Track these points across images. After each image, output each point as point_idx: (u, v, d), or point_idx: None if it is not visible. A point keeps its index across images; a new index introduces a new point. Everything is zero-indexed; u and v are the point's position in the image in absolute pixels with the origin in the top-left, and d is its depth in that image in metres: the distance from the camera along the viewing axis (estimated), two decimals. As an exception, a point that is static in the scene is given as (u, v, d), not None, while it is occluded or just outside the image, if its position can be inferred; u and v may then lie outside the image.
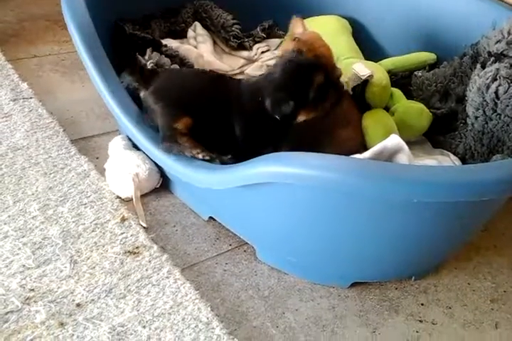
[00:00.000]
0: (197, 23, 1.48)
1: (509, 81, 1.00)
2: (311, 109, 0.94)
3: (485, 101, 1.02)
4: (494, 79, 1.01)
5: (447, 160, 1.16)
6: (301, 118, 0.94)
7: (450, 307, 0.95)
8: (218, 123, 0.95)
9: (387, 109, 1.20)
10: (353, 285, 0.95)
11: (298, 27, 1.10)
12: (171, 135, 0.91)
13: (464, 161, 1.14)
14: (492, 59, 1.06)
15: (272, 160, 0.76)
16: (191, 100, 0.95)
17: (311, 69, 0.93)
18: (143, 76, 1.01)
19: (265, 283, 0.94)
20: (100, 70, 1.02)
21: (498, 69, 1.02)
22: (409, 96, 1.24)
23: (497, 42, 1.08)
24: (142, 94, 1.00)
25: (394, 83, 1.25)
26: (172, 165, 0.91)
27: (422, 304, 0.94)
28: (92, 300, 0.84)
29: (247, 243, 1.00)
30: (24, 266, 0.88)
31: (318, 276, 0.95)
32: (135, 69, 1.02)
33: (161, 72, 1.03)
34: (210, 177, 0.87)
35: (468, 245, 1.05)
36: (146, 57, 1.09)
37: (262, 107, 0.92)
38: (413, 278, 0.98)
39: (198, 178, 0.89)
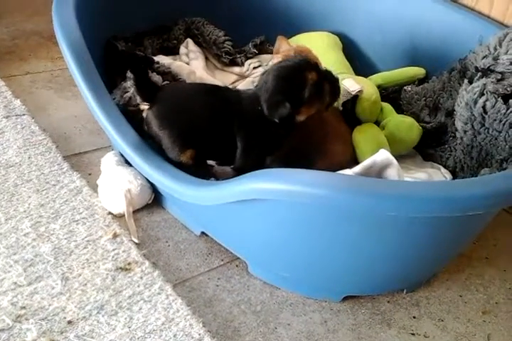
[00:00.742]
0: (189, 40, 1.50)
1: (496, 96, 1.02)
2: (309, 107, 0.95)
3: (473, 115, 1.04)
4: (481, 94, 1.03)
5: (438, 173, 1.17)
6: (301, 117, 0.96)
7: (442, 320, 0.95)
8: (221, 138, 0.97)
9: (377, 123, 1.22)
10: (345, 298, 0.95)
11: (283, 45, 1.12)
12: (178, 163, 0.95)
13: (454, 174, 1.15)
14: (479, 74, 1.08)
15: (259, 176, 0.77)
16: (195, 125, 0.96)
17: (302, 68, 0.94)
18: (146, 91, 1.00)
19: (257, 298, 0.94)
20: (91, 87, 1.03)
21: (485, 85, 1.03)
22: (400, 110, 1.25)
23: (484, 57, 1.10)
24: (145, 112, 0.99)
25: (384, 97, 1.27)
26: (162, 181, 0.92)
27: (414, 317, 0.95)
28: (84, 317, 0.84)
29: (239, 258, 1.00)
30: (16, 283, 0.88)
31: (310, 290, 0.95)
32: (139, 83, 1.00)
33: (163, 88, 1.02)
34: (200, 193, 0.87)
35: (459, 257, 1.06)
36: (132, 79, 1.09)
37: (262, 116, 0.94)
38: (405, 290, 0.98)
39: (188, 194, 0.89)
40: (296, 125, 0.97)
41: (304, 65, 0.95)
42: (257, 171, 0.79)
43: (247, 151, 0.96)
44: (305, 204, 0.78)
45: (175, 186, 0.90)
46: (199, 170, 0.95)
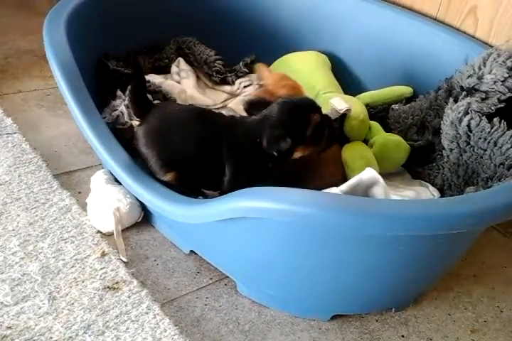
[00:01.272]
0: (180, 59, 1.52)
1: (480, 114, 1.04)
2: (307, 147, 0.97)
3: (458, 134, 1.05)
4: (466, 113, 1.04)
5: (426, 191, 1.18)
6: (296, 154, 0.97)
7: (431, 339, 0.95)
8: (208, 164, 0.97)
9: (366, 141, 1.23)
10: (334, 317, 0.95)
11: (264, 72, 1.14)
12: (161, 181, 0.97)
13: (442, 192, 1.16)
14: (464, 93, 1.10)
15: (245, 195, 0.78)
16: (179, 149, 0.97)
17: (307, 109, 0.97)
18: (140, 105, 1.01)
19: (246, 317, 0.94)
20: (81, 107, 1.04)
21: (469, 104, 1.05)
22: (388, 129, 1.27)
23: (468, 76, 1.12)
24: (136, 128, 1.01)
25: (372, 116, 1.29)
26: (150, 200, 0.92)
27: (403, 336, 0.94)
28: (70, 337, 0.84)
29: (228, 276, 1.00)
30: (2, 303, 0.88)
31: (298, 309, 0.95)
32: (135, 96, 1.02)
33: (156, 106, 1.03)
34: (187, 211, 0.88)
35: (448, 275, 1.06)
36: (127, 93, 1.10)
37: (255, 147, 0.94)
38: (394, 309, 0.98)
39: (175, 212, 0.89)
40: (286, 161, 0.98)
41: (309, 106, 0.98)
42: (243, 189, 0.79)
43: (235, 179, 0.96)
44: (292, 223, 0.78)
45: (163, 205, 0.90)
46: (184, 190, 0.95)
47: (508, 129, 1.01)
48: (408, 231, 0.73)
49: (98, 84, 1.27)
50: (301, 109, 0.97)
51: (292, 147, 0.94)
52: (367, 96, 1.32)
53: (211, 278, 1.00)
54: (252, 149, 0.95)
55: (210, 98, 1.46)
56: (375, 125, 1.26)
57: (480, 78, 1.09)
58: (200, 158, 0.97)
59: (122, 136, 1.04)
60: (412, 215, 0.71)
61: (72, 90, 1.07)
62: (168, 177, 0.96)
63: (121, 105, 1.11)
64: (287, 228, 0.80)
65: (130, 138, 1.01)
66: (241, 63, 1.54)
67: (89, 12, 1.29)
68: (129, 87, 1.03)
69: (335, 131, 1.03)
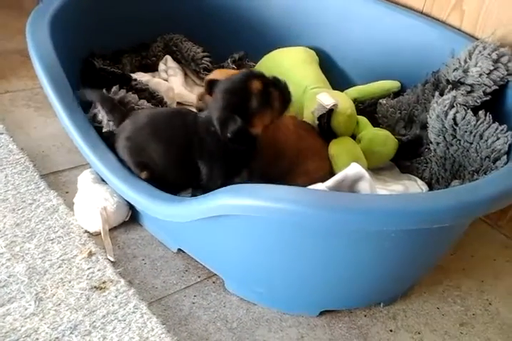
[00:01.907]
0: (168, 57, 1.51)
1: (466, 108, 1.04)
2: (261, 117, 0.93)
3: (444, 127, 1.05)
4: (451, 107, 1.04)
5: (414, 185, 1.18)
6: (257, 129, 0.93)
7: (419, 333, 0.95)
8: (182, 164, 0.97)
9: (353, 136, 1.22)
10: (322, 313, 0.95)
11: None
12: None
13: (430, 186, 1.16)
14: (449, 86, 1.09)
15: (227, 192, 0.77)
16: (153, 151, 0.98)
17: (245, 79, 0.93)
18: (118, 113, 1.04)
19: (234, 315, 0.94)
20: (66, 108, 1.03)
21: (454, 97, 1.05)
22: (376, 123, 1.27)
23: (454, 70, 1.11)
24: (116, 132, 1.03)
25: (360, 111, 1.29)
26: (135, 199, 0.92)
27: (391, 330, 0.95)
28: (57, 338, 0.83)
29: (216, 274, 1.00)
30: (-12, 305, 0.88)
31: (286, 306, 0.95)
32: (111, 107, 1.05)
33: (131, 114, 1.04)
34: (171, 210, 0.87)
35: (437, 268, 1.06)
36: (112, 93, 1.10)
37: (218, 137, 0.93)
38: (382, 304, 0.98)
39: (160, 211, 0.89)
40: (256, 139, 0.95)
41: (247, 76, 0.94)
42: (225, 187, 0.79)
43: (212, 174, 0.96)
44: (275, 220, 0.78)
45: (146, 203, 0.90)
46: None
47: (493, 122, 1.01)
48: (391, 226, 0.72)
49: (84, 84, 1.27)
50: (239, 83, 0.93)
51: (245, 124, 0.90)
52: (354, 91, 1.32)
53: (199, 276, 1.00)
54: (217, 140, 0.94)
55: (198, 95, 1.46)
56: (363, 120, 1.25)
57: (466, 71, 1.09)
58: (170, 157, 0.97)
59: (102, 134, 1.04)
60: (394, 210, 0.71)
61: (57, 90, 1.06)
62: (143, 175, 0.97)
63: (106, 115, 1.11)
64: (271, 225, 0.80)
65: (107, 136, 1.03)
66: (229, 60, 1.53)
67: (74, 11, 1.28)
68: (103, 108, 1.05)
69: (284, 89, 0.96)
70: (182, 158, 0.96)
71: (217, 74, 1.19)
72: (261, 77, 0.94)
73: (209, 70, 1.48)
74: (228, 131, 0.90)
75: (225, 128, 0.90)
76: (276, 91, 0.94)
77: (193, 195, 0.98)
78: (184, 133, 0.97)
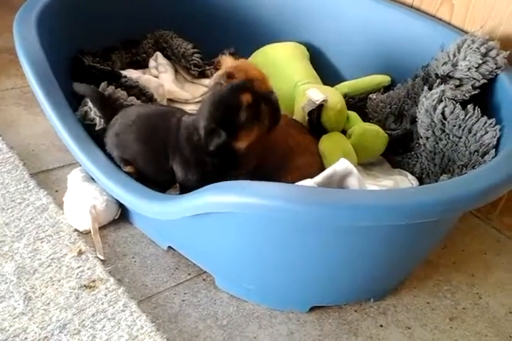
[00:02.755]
0: (158, 53, 1.50)
1: (454, 102, 1.03)
2: (248, 132, 0.90)
3: (433, 122, 1.05)
4: (440, 101, 1.04)
5: (405, 180, 1.18)
6: (242, 144, 0.91)
7: (409, 328, 0.95)
8: (159, 165, 0.98)
9: (344, 132, 1.22)
10: (312, 309, 0.95)
11: (227, 63, 1.12)
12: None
13: (421, 181, 1.16)
14: (438, 81, 1.09)
15: (213, 190, 0.77)
16: (133, 149, 1.00)
17: (236, 92, 0.90)
18: (106, 112, 1.05)
19: (224, 312, 0.94)
20: (54, 106, 1.03)
21: (443, 91, 1.05)
22: (366, 118, 1.26)
23: (443, 64, 1.11)
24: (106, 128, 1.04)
25: (351, 106, 1.28)
26: (123, 197, 0.92)
27: (381, 325, 0.95)
28: (46, 337, 0.83)
29: (206, 272, 1.00)
30: (-23, 305, 0.87)
31: (276, 302, 0.95)
32: (102, 103, 1.05)
33: (120, 113, 1.05)
34: (159, 208, 0.87)
35: (427, 263, 1.06)
36: (100, 90, 1.10)
37: (199, 147, 0.92)
38: (372, 299, 0.98)
39: (148, 209, 0.89)
40: (237, 156, 0.93)
41: (238, 88, 0.90)
42: (212, 184, 0.79)
43: (187, 178, 0.96)
44: (261, 216, 0.78)
45: (135, 201, 0.90)
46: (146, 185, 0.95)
47: (482, 116, 1.01)
48: (377, 222, 0.73)
49: (74, 81, 1.26)
50: (229, 95, 0.90)
51: (230, 138, 0.88)
52: (344, 86, 1.31)
53: (189, 274, 1.00)
54: (194, 149, 0.93)
55: (189, 92, 1.45)
56: (353, 115, 1.25)
57: (454, 65, 1.09)
58: (148, 160, 0.99)
59: (91, 132, 1.03)
60: (380, 205, 0.71)
61: (44, 88, 1.06)
62: (127, 169, 0.99)
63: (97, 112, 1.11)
64: (259, 222, 0.80)
65: (98, 134, 1.03)
66: (220, 56, 1.52)
67: (62, 8, 1.28)
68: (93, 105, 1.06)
69: (275, 104, 0.92)
70: (158, 160, 0.97)
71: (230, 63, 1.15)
72: (252, 90, 0.91)
73: (199, 66, 1.47)
74: (211, 144, 0.89)
75: (210, 140, 0.88)
76: (267, 107, 0.91)
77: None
78: (164, 135, 0.97)
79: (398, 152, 1.23)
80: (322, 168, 1.13)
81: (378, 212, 0.69)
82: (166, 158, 0.96)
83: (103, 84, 1.12)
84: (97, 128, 1.04)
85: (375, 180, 1.18)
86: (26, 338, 0.83)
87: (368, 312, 0.97)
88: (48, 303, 0.89)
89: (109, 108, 1.05)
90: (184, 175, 0.95)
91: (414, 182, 1.16)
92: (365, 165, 1.24)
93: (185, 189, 0.89)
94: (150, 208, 0.88)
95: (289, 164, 1.08)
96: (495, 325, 0.97)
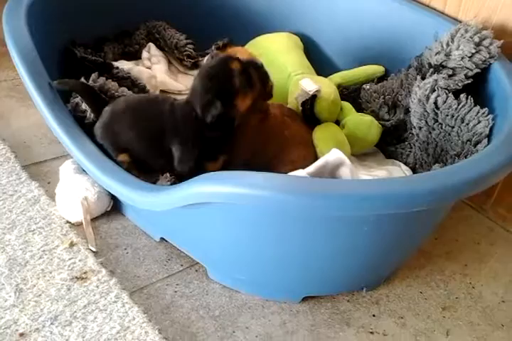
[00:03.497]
0: (151, 44, 1.49)
1: (447, 91, 1.03)
2: (243, 97, 0.93)
3: (426, 111, 1.05)
4: (433, 90, 1.03)
5: (398, 170, 1.18)
6: (240, 109, 0.94)
7: (402, 317, 0.95)
8: (156, 150, 0.98)
9: (338, 122, 1.22)
10: (305, 299, 0.95)
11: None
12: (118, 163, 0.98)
13: (414, 171, 1.16)
14: (431, 70, 1.08)
15: (203, 180, 0.77)
16: (128, 136, 0.99)
17: (224, 62, 0.94)
18: (96, 105, 1.05)
19: (216, 302, 0.94)
20: (44, 97, 1.02)
21: (436, 81, 1.04)
22: (361, 109, 1.26)
23: (437, 53, 1.10)
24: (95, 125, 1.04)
25: (345, 96, 1.28)
26: (113, 187, 0.91)
27: (374, 315, 0.95)
28: (37, 328, 0.83)
29: (198, 262, 1.00)
30: (-32, 297, 0.87)
31: (269, 292, 0.95)
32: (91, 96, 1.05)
33: (108, 105, 1.04)
34: (150, 199, 0.87)
35: (421, 252, 1.06)
36: (91, 81, 1.09)
37: (200, 123, 0.93)
38: (364, 289, 0.98)
39: (138, 200, 0.89)
40: (234, 124, 0.95)
41: (225, 58, 0.94)
42: (202, 175, 0.78)
43: (182, 157, 0.96)
44: (253, 207, 0.78)
45: (127, 192, 0.90)
46: (144, 175, 0.95)
47: (475, 105, 1.00)
48: (367, 211, 0.72)
49: (66, 73, 1.25)
50: (218, 65, 0.94)
51: (226, 108, 0.91)
52: (338, 76, 1.31)
53: (182, 265, 1.00)
54: (194, 127, 0.94)
55: (182, 83, 1.44)
56: (347, 105, 1.24)
57: (448, 55, 1.08)
58: (145, 145, 0.98)
59: (83, 124, 1.02)
60: (369, 195, 0.70)
61: (35, 80, 1.05)
62: (120, 157, 0.98)
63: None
64: (250, 212, 0.80)
65: (90, 125, 1.02)
66: (213, 46, 1.51)
67: (52, 0, 1.26)
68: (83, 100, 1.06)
69: (261, 69, 0.96)
70: (156, 145, 0.97)
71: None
72: (238, 58, 0.95)
73: (192, 57, 1.46)
74: (210, 116, 0.91)
75: (207, 112, 0.91)
76: (255, 71, 0.95)
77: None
78: (159, 120, 0.97)
79: (392, 142, 1.22)
80: (316, 159, 1.13)
81: (368, 202, 0.69)
82: (162, 143, 0.96)
83: (93, 75, 1.11)
84: (86, 121, 1.03)
85: (369, 171, 1.17)
86: (17, 330, 0.83)
87: (360, 302, 0.97)
88: (40, 295, 0.89)
89: (99, 101, 1.04)
90: (181, 152, 0.96)
91: (408, 172, 1.16)
92: (359, 155, 1.23)
93: (180, 172, 0.89)
94: (140, 199, 0.88)
95: (284, 156, 1.08)
96: (487, 315, 0.97)
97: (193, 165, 0.83)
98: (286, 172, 0.89)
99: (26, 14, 1.15)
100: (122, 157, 0.98)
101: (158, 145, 0.97)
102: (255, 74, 0.95)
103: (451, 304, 0.99)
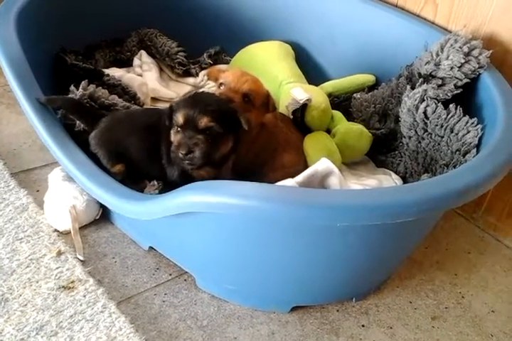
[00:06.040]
0: (142, 52, 1.49)
1: (436, 101, 1.03)
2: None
3: (415, 121, 1.05)
4: (422, 100, 1.04)
5: (389, 179, 1.18)
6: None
7: (391, 327, 0.95)
8: (150, 157, 0.99)
9: (329, 131, 1.22)
10: (294, 309, 0.95)
11: (217, 72, 1.13)
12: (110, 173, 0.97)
13: (405, 180, 1.16)
14: (421, 80, 1.09)
15: (190, 190, 0.76)
16: (124, 147, 1.00)
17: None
18: (88, 120, 1.04)
19: (204, 312, 0.93)
20: (33, 105, 1.01)
21: (425, 90, 1.04)
22: (351, 118, 1.26)
23: (426, 63, 1.11)
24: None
25: (336, 105, 1.28)
26: (100, 196, 0.91)
27: (363, 325, 0.94)
28: (22, 339, 0.82)
29: (187, 272, 0.99)
30: (-47, 306, 0.86)
31: (257, 302, 0.94)
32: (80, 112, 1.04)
33: (105, 117, 1.04)
34: (137, 208, 0.86)
35: (411, 262, 1.06)
36: (81, 89, 1.08)
37: None
38: (354, 299, 0.98)
39: (126, 209, 0.88)
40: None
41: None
42: (189, 184, 0.78)
43: (172, 173, 0.97)
44: (241, 217, 0.77)
45: (115, 201, 0.89)
46: (131, 182, 0.94)
47: (464, 115, 1.00)
48: (355, 222, 0.72)
49: (56, 80, 1.25)
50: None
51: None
52: (329, 85, 1.31)
53: (170, 274, 0.99)
54: None
55: (174, 90, 1.44)
56: (338, 114, 1.25)
57: (437, 64, 1.08)
58: (140, 151, 0.99)
59: (72, 132, 1.02)
60: (357, 205, 0.70)
61: (23, 88, 1.04)
62: (116, 168, 0.98)
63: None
64: (238, 222, 0.79)
65: (79, 133, 1.01)
66: (205, 54, 1.52)
67: (42, 5, 1.26)
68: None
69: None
70: (153, 152, 0.98)
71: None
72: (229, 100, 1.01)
73: (184, 65, 1.46)
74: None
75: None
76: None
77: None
78: (157, 130, 0.98)
79: (382, 151, 1.22)
80: (306, 167, 1.13)
81: (356, 212, 0.69)
82: (159, 151, 0.98)
83: (83, 83, 1.10)
84: (76, 129, 1.03)
85: (359, 180, 1.17)
86: (2, 340, 0.82)
87: (349, 311, 0.96)
88: (25, 305, 0.88)
89: (89, 114, 1.04)
90: (170, 169, 0.97)
91: (398, 181, 1.16)
92: (350, 164, 1.23)
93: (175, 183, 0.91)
94: (128, 208, 0.87)
95: (276, 161, 1.08)
96: (477, 325, 0.97)
97: (181, 180, 0.84)
98: (275, 178, 0.89)
99: (16, 21, 1.15)
100: (118, 168, 0.98)
101: (155, 153, 0.97)
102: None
103: (440, 314, 0.98)
